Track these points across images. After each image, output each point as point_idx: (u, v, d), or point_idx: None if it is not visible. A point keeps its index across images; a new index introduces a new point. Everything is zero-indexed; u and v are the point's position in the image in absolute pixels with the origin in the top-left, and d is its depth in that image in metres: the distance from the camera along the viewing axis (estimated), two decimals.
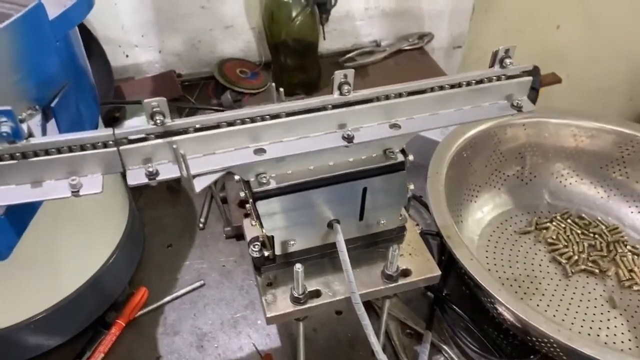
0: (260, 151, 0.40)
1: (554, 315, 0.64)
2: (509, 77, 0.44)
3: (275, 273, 0.49)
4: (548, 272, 0.69)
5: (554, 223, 0.75)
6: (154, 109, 0.36)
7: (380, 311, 0.57)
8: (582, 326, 0.63)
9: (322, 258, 0.49)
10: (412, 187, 0.48)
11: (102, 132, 0.36)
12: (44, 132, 0.43)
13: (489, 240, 0.73)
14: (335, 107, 0.41)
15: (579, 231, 0.73)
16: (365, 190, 0.45)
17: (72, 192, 0.36)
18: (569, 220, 0.75)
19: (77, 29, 0.52)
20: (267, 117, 0.40)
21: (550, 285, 0.68)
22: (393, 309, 0.64)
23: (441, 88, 0.43)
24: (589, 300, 0.66)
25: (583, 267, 0.69)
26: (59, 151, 0.35)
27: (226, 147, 0.40)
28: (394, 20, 1.14)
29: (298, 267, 0.44)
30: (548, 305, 0.65)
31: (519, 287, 0.67)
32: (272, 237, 0.46)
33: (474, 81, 0.43)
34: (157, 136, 0.37)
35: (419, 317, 0.64)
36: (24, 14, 0.40)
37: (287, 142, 0.41)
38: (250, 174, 0.42)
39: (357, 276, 0.45)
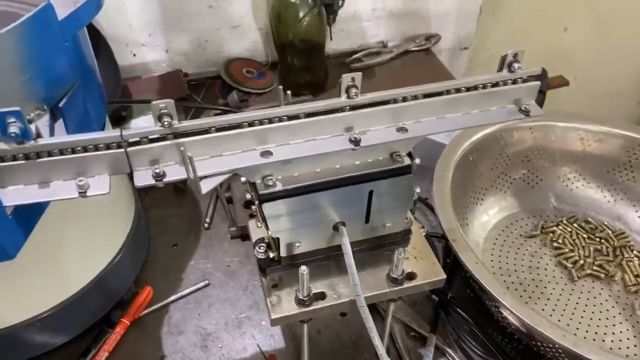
0: (266, 153, 0.40)
1: (559, 320, 0.64)
2: (517, 82, 0.44)
3: (280, 275, 0.49)
4: (554, 277, 0.69)
5: (560, 227, 0.74)
6: (162, 111, 0.36)
7: (384, 314, 0.57)
8: (587, 331, 0.63)
9: (327, 260, 0.49)
10: (418, 190, 0.48)
11: (110, 133, 0.36)
12: (52, 132, 0.43)
13: (494, 244, 0.73)
14: (342, 110, 0.41)
15: (585, 235, 0.73)
16: (371, 193, 0.45)
17: (80, 192, 0.36)
18: (575, 225, 0.74)
19: (85, 29, 0.52)
20: (274, 119, 0.40)
21: (555, 290, 0.67)
22: (398, 312, 0.64)
23: (449, 92, 0.43)
24: (594, 305, 0.66)
25: (589, 271, 0.69)
26: (67, 152, 0.35)
27: (233, 149, 0.40)
28: (400, 21, 1.14)
29: (303, 269, 0.44)
30: (553, 310, 0.65)
31: (524, 291, 0.67)
32: (278, 239, 0.46)
33: (482, 85, 0.43)
34: (165, 138, 0.37)
35: (423, 320, 0.64)
36: (33, 14, 0.40)
37: (293, 144, 0.41)
38: (257, 176, 0.42)
39: (362, 279, 0.45)
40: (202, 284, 0.69)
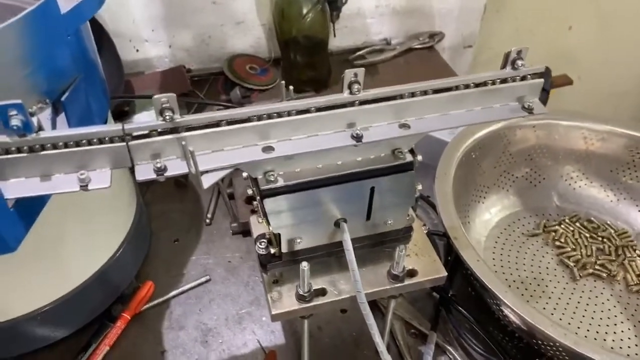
0: (268, 149, 0.40)
1: (561, 319, 0.64)
2: (520, 79, 0.44)
3: (281, 270, 0.49)
4: (555, 275, 0.69)
5: (562, 226, 0.74)
6: (164, 105, 0.36)
7: (385, 311, 0.57)
8: (588, 330, 0.63)
9: (328, 257, 0.49)
10: (420, 187, 0.48)
11: (112, 127, 0.36)
12: (54, 126, 0.43)
13: (496, 242, 0.73)
14: (344, 105, 0.41)
15: (587, 235, 0.73)
16: (373, 189, 0.45)
17: (81, 186, 0.36)
18: (577, 224, 0.74)
19: (88, 23, 0.52)
20: (276, 114, 0.39)
21: (557, 289, 0.67)
22: (398, 309, 0.64)
23: (452, 88, 0.43)
24: (595, 305, 0.66)
25: (591, 270, 0.69)
26: (69, 145, 0.35)
27: (235, 144, 0.40)
28: (404, 18, 1.14)
29: (304, 265, 0.44)
30: (554, 309, 0.65)
31: (526, 289, 0.67)
32: (279, 234, 0.46)
33: (485, 82, 0.43)
34: (166, 132, 0.37)
35: (424, 317, 0.64)
36: (36, 7, 0.40)
37: (295, 140, 0.41)
38: (258, 172, 0.42)
39: (363, 275, 0.45)
40: (203, 279, 0.69)
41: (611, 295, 0.67)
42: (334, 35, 1.00)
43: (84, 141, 0.36)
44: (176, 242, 0.74)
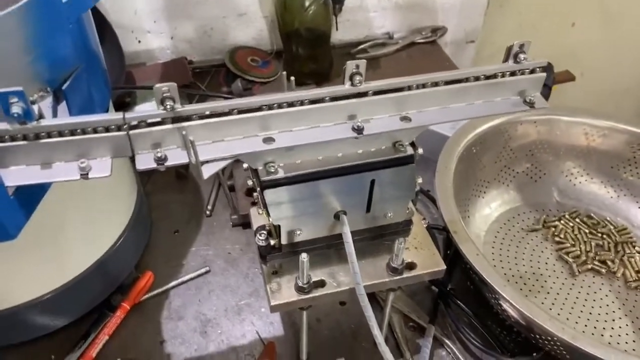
0: (269, 140, 0.40)
1: (559, 314, 0.64)
2: (522, 73, 0.44)
3: (280, 262, 0.49)
4: (554, 271, 0.69)
5: (562, 222, 0.74)
6: (165, 94, 0.36)
7: (384, 304, 0.57)
8: (586, 325, 0.63)
9: (328, 249, 0.49)
10: (420, 180, 0.48)
11: (113, 116, 0.36)
12: (55, 115, 0.43)
13: (495, 237, 0.73)
14: (346, 97, 0.41)
15: (587, 230, 0.73)
16: (373, 182, 0.45)
17: (81, 174, 0.36)
18: (577, 219, 0.74)
19: (90, 13, 0.52)
20: (277, 105, 0.39)
21: (555, 284, 0.67)
22: (397, 302, 0.64)
23: (453, 82, 0.43)
24: (594, 300, 0.66)
25: (590, 266, 0.69)
26: (69, 133, 0.35)
27: (235, 135, 0.40)
28: (407, 12, 1.13)
29: (303, 256, 0.44)
30: (553, 304, 0.65)
31: (524, 284, 0.67)
32: (279, 226, 0.46)
33: (487, 75, 0.43)
34: (167, 121, 0.37)
35: (422, 310, 0.64)
36: None
37: (296, 131, 0.41)
38: (259, 163, 0.42)
39: (362, 268, 0.45)
40: (202, 270, 0.69)
41: (610, 291, 0.67)
42: (337, 29, 1.00)
43: (84, 129, 0.36)
44: (176, 233, 0.74)
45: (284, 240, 0.47)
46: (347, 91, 0.40)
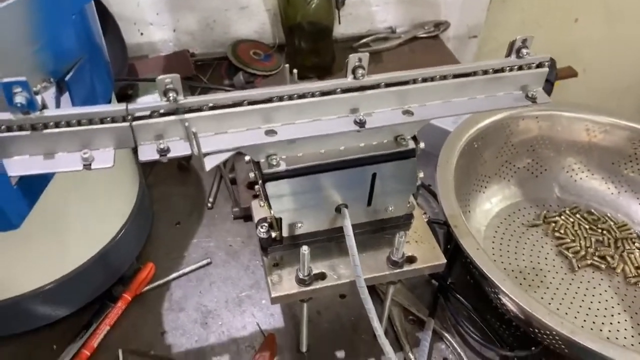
0: (271, 132, 0.40)
1: (558, 309, 0.64)
2: (525, 68, 0.44)
3: (281, 254, 0.49)
4: (554, 266, 0.69)
5: (562, 217, 0.74)
6: (167, 86, 0.36)
7: (384, 297, 0.57)
8: (585, 320, 0.63)
9: (328, 242, 0.50)
10: (421, 175, 0.48)
11: (116, 107, 0.36)
12: (58, 105, 0.43)
13: (495, 232, 0.73)
14: (348, 90, 0.41)
15: (587, 226, 0.73)
16: (374, 176, 0.46)
17: (84, 165, 0.36)
18: (577, 215, 0.74)
19: (93, 4, 0.52)
20: (280, 98, 0.40)
21: (555, 279, 0.68)
22: (397, 295, 0.65)
23: (456, 76, 0.43)
24: (593, 295, 0.66)
25: (589, 261, 0.69)
26: (72, 124, 0.35)
27: (238, 127, 0.40)
28: (409, 6, 1.13)
29: (304, 249, 0.45)
30: (552, 298, 0.65)
31: (524, 279, 0.67)
32: (280, 218, 0.46)
33: (489, 70, 0.43)
34: (170, 113, 0.37)
35: (422, 304, 0.65)
36: None
37: (298, 124, 0.41)
38: (261, 155, 0.42)
39: (362, 261, 0.45)
40: (204, 262, 0.69)
41: (609, 286, 0.67)
42: (339, 22, 0.99)
43: (87, 120, 0.36)
44: (178, 225, 0.75)
45: (285, 233, 0.47)
46: (349, 84, 0.40)
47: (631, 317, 0.64)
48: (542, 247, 0.72)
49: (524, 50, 0.43)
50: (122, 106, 0.36)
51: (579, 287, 0.67)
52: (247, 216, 0.75)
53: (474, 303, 0.63)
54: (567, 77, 1.10)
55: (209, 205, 0.78)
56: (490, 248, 0.71)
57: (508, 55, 0.44)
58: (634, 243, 0.71)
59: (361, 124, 0.41)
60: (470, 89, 0.44)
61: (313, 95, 0.40)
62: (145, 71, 0.96)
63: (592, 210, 0.76)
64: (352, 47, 1.09)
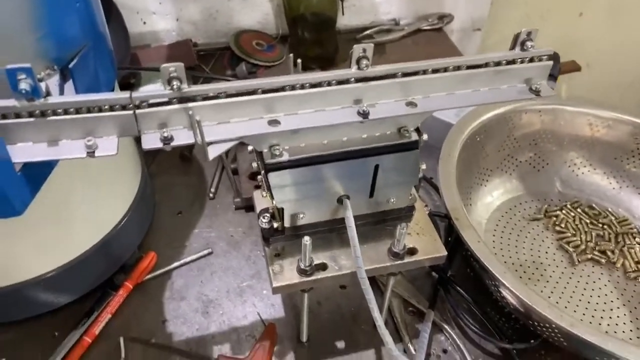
0: (274, 122, 0.40)
1: (558, 302, 0.65)
2: (529, 60, 0.44)
3: (283, 244, 0.49)
4: (554, 260, 0.69)
5: (563, 211, 0.74)
6: (171, 74, 0.36)
7: (384, 288, 0.58)
8: (584, 314, 0.64)
9: (330, 232, 0.50)
10: (424, 167, 0.48)
11: (119, 95, 0.36)
12: (62, 92, 0.43)
13: (496, 225, 0.73)
14: (352, 81, 0.41)
15: (588, 221, 0.73)
16: (377, 167, 0.46)
17: (88, 152, 0.36)
18: (578, 210, 0.75)
19: None
20: (284, 88, 0.40)
21: (555, 273, 0.68)
22: (397, 287, 0.65)
23: (460, 68, 0.43)
24: (593, 290, 0.66)
25: (590, 256, 0.69)
26: (76, 111, 0.36)
27: (241, 117, 0.40)
28: None
29: (306, 239, 0.45)
30: (552, 292, 0.66)
31: (524, 272, 0.68)
32: (282, 209, 0.46)
33: (493, 62, 0.43)
34: (173, 101, 0.37)
35: (422, 296, 0.65)
36: None
37: (302, 114, 0.41)
38: (264, 145, 0.42)
39: (363, 252, 0.46)
40: (205, 252, 0.69)
41: (609, 281, 0.67)
42: (342, 14, 0.99)
43: (91, 108, 0.36)
44: (179, 215, 0.75)
45: (287, 223, 0.48)
46: (353, 75, 0.40)
47: (630, 312, 0.64)
48: (543, 241, 0.72)
49: (529, 43, 0.43)
50: (126, 94, 0.36)
51: (578, 281, 0.67)
52: (248, 207, 0.75)
53: (474, 295, 0.63)
54: (570, 71, 1.09)
55: (211, 195, 0.78)
56: (491, 241, 0.71)
57: (512, 47, 0.44)
58: (634, 238, 0.71)
59: (364, 115, 0.41)
60: (474, 81, 0.44)
61: (317, 85, 0.40)
62: (148, 60, 0.96)
63: (593, 205, 0.76)
64: (356, 38, 1.09)
